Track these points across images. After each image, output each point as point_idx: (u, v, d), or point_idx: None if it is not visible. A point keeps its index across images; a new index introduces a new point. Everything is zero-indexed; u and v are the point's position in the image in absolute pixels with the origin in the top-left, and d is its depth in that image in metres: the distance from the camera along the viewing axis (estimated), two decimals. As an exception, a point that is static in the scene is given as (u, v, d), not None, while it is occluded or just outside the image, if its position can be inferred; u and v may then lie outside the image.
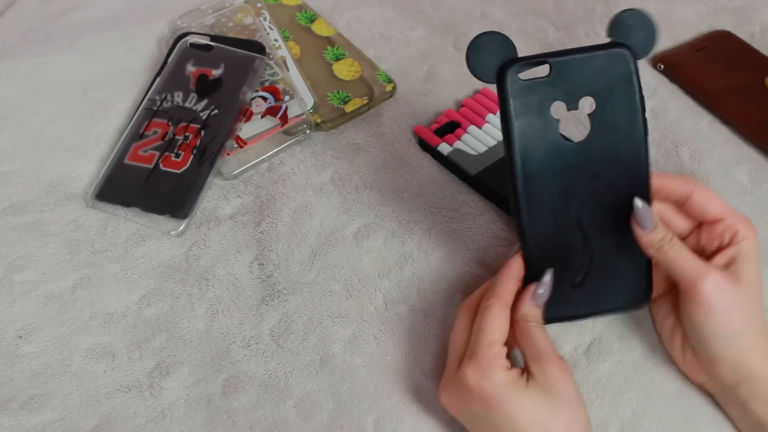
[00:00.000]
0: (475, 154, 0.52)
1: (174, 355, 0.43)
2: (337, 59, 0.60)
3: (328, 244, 0.49)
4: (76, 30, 0.64)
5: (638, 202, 0.37)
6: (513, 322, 0.39)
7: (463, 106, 0.57)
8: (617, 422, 0.40)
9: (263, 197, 0.51)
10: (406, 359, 0.43)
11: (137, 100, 0.57)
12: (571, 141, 0.37)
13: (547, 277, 0.38)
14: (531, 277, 0.39)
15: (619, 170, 0.37)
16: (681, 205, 0.40)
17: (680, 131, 0.54)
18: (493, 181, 0.50)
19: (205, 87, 0.54)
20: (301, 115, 0.54)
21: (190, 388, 0.42)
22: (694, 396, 0.41)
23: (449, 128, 0.55)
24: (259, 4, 0.63)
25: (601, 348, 0.43)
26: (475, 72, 0.36)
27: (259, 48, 0.56)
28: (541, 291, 0.38)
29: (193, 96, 0.54)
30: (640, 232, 0.37)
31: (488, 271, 0.47)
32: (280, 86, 0.56)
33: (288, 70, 0.58)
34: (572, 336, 0.44)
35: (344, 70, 0.59)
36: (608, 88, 0.36)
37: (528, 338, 0.37)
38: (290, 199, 0.51)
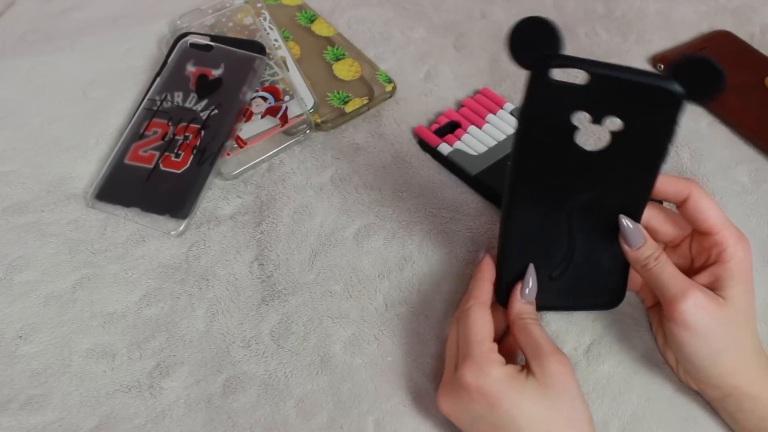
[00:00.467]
0: (475, 154, 0.52)
1: (174, 355, 0.43)
2: (337, 59, 0.60)
3: (328, 245, 0.48)
4: (76, 30, 0.64)
5: (624, 222, 0.37)
6: (510, 323, 0.39)
7: (463, 106, 0.57)
8: (617, 422, 0.40)
9: (263, 197, 0.51)
10: (407, 360, 0.43)
11: (137, 100, 0.57)
12: (582, 148, 0.35)
13: (530, 273, 0.39)
14: (511, 264, 0.40)
15: (622, 189, 0.37)
16: (679, 206, 0.39)
17: (680, 131, 0.54)
18: (493, 182, 0.50)
19: (205, 87, 0.54)
20: (301, 115, 0.54)
21: (190, 388, 0.42)
22: (694, 396, 0.41)
23: (449, 128, 0.55)
24: (259, 4, 0.63)
25: (601, 349, 0.43)
26: (513, 55, 0.34)
27: (259, 48, 0.56)
28: (528, 288, 0.39)
29: (193, 96, 0.54)
30: (627, 248, 0.37)
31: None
32: (280, 86, 0.56)
33: (288, 70, 0.58)
34: (572, 336, 0.44)
35: (344, 70, 0.59)
36: (643, 119, 0.34)
37: (526, 335, 0.38)
38: (290, 200, 0.51)
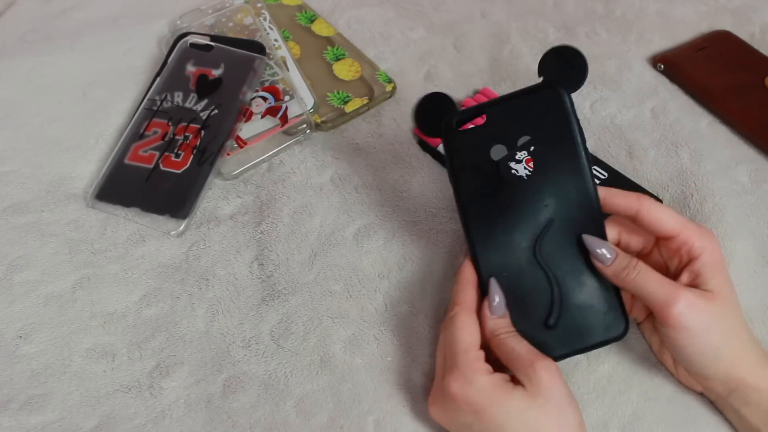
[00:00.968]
0: (475, 154, 0.52)
1: (174, 355, 0.43)
2: (337, 59, 0.60)
3: (328, 245, 0.49)
4: (76, 30, 0.64)
5: (588, 240, 0.37)
6: (488, 341, 0.38)
7: (462, 106, 0.57)
8: (617, 422, 0.40)
9: (263, 197, 0.51)
10: (407, 360, 0.43)
11: (137, 100, 0.57)
12: (515, 176, 0.38)
13: (494, 287, 0.38)
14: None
15: (568, 202, 0.38)
16: (634, 220, 0.38)
17: (680, 131, 0.54)
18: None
19: (205, 87, 0.54)
20: (301, 115, 0.54)
21: (190, 389, 0.42)
22: (694, 396, 0.41)
23: (449, 128, 0.55)
24: (259, 4, 0.63)
25: (600, 349, 0.43)
26: (422, 130, 0.40)
27: (259, 48, 0.56)
28: (495, 302, 0.38)
29: (193, 96, 0.54)
30: (601, 265, 0.37)
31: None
32: (280, 86, 0.56)
33: (288, 70, 0.58)
34: (572, 336, 0.44)
35: (344, 70, 0.59)
36: (544, 126, 0.38)
37: (505, 351, 0.37)
38: (290, 199, 0.51)
